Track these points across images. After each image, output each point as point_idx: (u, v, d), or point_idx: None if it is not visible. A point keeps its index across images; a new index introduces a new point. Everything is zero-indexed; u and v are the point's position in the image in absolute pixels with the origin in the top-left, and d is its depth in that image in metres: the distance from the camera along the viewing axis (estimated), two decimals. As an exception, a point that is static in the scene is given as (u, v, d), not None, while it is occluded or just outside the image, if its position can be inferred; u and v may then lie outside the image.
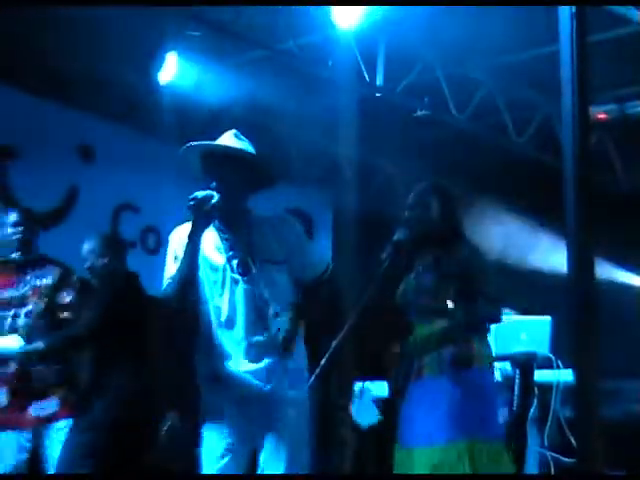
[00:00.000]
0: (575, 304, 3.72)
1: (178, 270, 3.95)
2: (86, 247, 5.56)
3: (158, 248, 8.95)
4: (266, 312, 3.97)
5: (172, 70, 7.89)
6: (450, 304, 4.76)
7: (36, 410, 5.28)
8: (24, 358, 5.24)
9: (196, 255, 3.94)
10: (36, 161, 7.91)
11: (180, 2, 7.02)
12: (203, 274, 4.01)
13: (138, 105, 8.28)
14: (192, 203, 3.91)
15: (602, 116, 8.88)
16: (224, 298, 3.99)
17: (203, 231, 3.97)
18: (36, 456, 5.33)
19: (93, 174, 8.51)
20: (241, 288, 3.99)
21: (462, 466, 4.43)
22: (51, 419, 5.31)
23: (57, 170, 8.15)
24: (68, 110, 8.19)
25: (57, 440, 5.28)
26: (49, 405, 5.31)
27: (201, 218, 3.93)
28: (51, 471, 5.26)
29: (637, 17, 7.10)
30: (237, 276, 3.99)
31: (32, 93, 7.90)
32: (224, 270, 4.01)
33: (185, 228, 4.02)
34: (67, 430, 5.28)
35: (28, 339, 5.28)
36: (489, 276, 4.82)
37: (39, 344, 5.23)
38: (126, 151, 8.55)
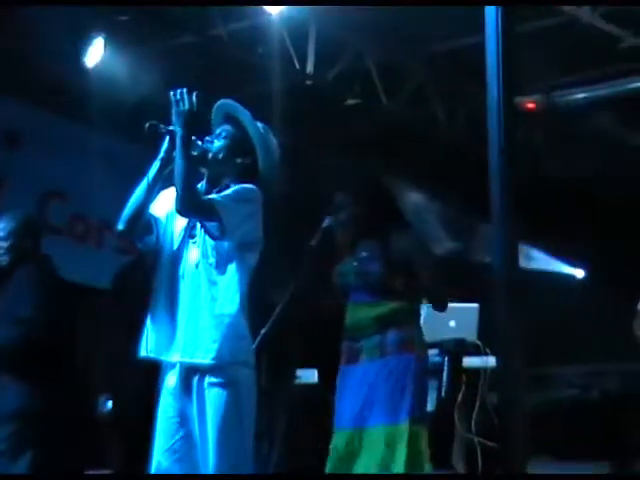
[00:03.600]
0: (500, 291, 3.76)
1: (134, 195, 4.03)
2: (5, 227, 5.42)
3: (86, 236, 8.85)
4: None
5: (99, 54, 7.79)
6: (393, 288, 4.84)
7: None
8: None
9: (151, 187, 4.00)
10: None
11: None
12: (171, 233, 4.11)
13: (65, 90, 8.16)
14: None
15: (531, 105, 8.96)
16: (176, 257, 4.07)
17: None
18: None
19: (19, 161, 8.39)
20: (187, 250, 4.06)
21: (403, 445, 4.60)
22: None
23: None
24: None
25: None
26: None
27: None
28: None
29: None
30: (188, 238, 4.07)
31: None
32: (182, 231, 4.09)
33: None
34: None
35: None
36: (430, 264, 4.91)
37: None
38: (53, 137, 8.44)
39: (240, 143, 4.16)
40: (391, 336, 4.78)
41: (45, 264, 5.45)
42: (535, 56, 7.23)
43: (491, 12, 4.09)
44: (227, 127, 4.18)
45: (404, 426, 4.65)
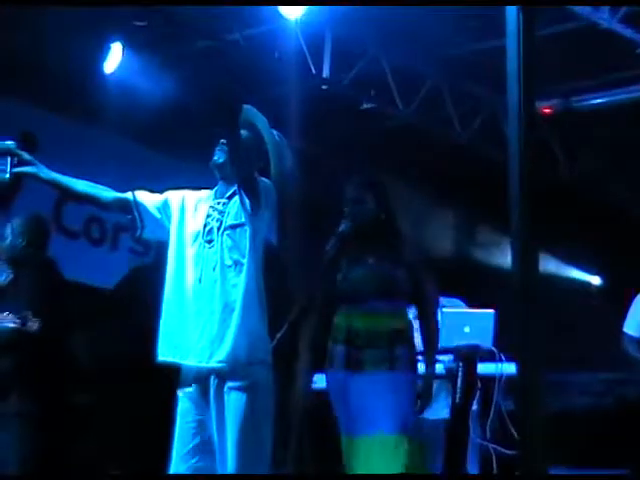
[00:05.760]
0: (518, 297, 3.73)
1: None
2: (9, 227, 5.44)
3: (102, 238, 8.86)
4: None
5: (117, 60, 7.81)
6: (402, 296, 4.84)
7: None
8: None
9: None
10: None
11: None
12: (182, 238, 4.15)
13: (82, 94, 8.18)
14: None
15: (547, 110, 8.93)
16: (191, 261, 4.10)
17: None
18: None
19: (36, 163, 8.39)
20: (204, 254, 4.08)
21: (399, 457, 4.64)
22: None
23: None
24: (10, 98, 8.09)
25: None
26: None
27: None
28: None
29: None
30: (205, 243, 4.10)
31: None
32: (197, 236, 4.12)
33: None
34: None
35: None
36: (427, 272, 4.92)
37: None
38: (70, 140, 8.45)
39: (254, 148, 4.18)
40: (400, 351, 4.79)
41: (49, 268, 5.46)
42: (553, 61, 7.20)
43: (512, 15, 4.06)
44: (243, 132, 4.21)
45: (400, 436, 4.67)
